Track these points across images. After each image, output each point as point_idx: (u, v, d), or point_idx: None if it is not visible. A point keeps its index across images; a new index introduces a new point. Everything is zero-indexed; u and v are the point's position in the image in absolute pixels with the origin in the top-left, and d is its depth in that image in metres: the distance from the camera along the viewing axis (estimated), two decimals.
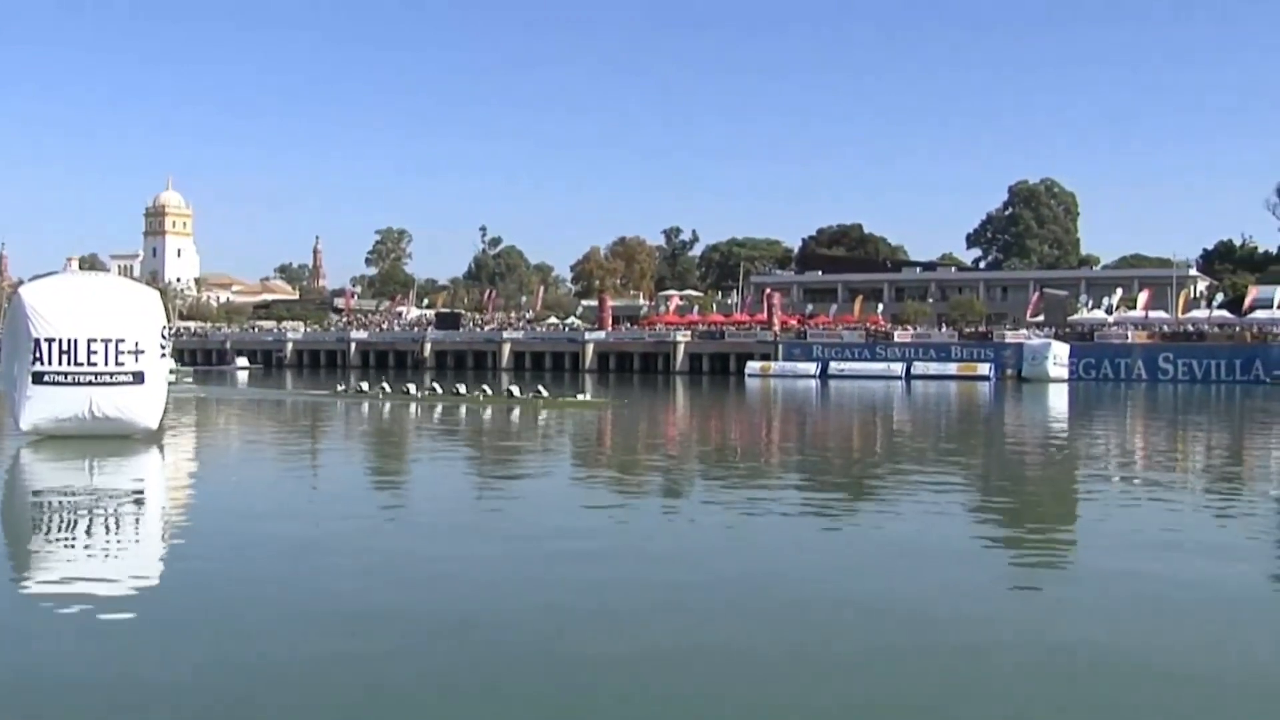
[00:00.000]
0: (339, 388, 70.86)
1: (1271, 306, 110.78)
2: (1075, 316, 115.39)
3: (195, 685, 11.70)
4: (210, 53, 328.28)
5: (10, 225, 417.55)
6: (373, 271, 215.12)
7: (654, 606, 15.17)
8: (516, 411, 55.07)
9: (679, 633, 13.76)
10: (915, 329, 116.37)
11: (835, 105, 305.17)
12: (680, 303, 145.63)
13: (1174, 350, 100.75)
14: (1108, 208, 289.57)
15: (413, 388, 66.06)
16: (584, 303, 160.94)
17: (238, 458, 37.55)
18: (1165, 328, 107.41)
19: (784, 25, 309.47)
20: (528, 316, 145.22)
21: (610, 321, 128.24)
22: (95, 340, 34.88)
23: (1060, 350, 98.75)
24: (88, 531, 21.33)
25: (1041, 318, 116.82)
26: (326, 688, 11.59)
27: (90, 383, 34.81)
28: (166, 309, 42.72)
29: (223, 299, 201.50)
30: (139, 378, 35.56)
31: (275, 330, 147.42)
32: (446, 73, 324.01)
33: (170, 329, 41.92)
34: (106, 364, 35.03)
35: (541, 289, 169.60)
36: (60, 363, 34.56)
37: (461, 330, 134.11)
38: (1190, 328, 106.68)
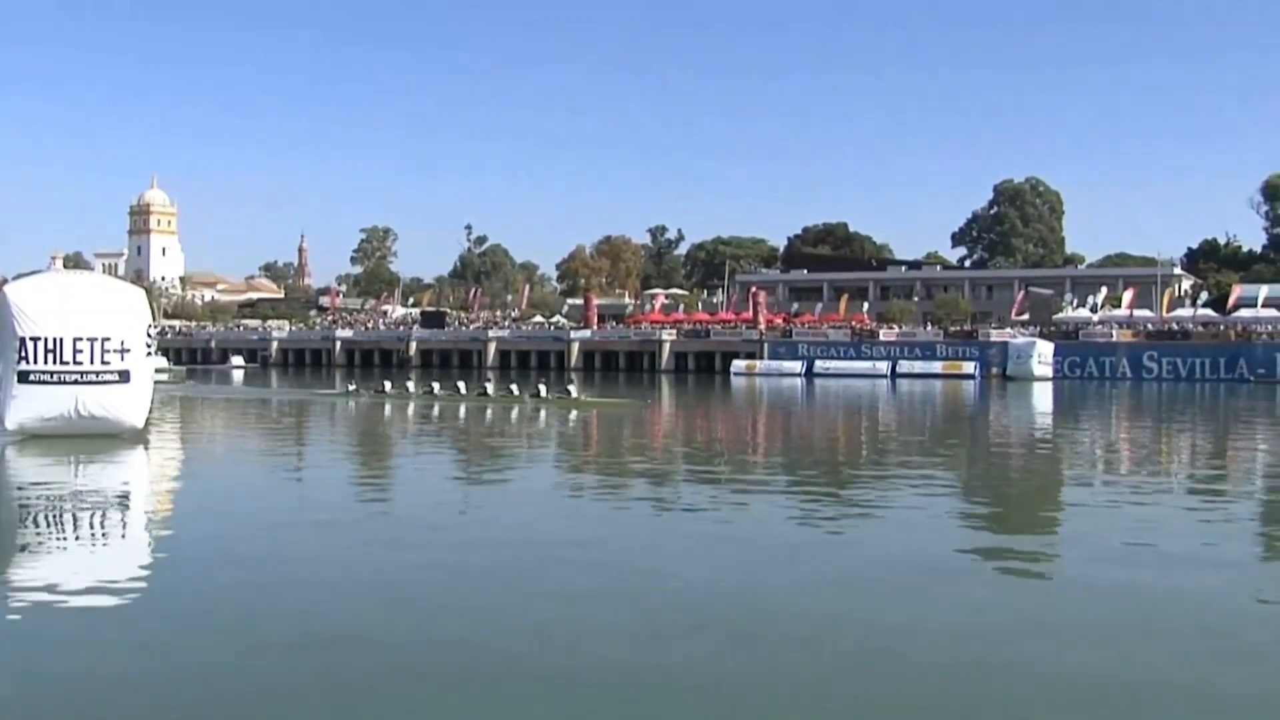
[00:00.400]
0: (350, 387, 69.03)
1: (1255, 305, 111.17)
2: (1060, 315, 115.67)
3: (167, 688, 11.69)
4: (194, 52, 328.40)
5: None
6: (358, 270, 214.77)
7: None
8: (544, 412, 54.10)
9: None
10: (900, 328, 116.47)
11: (821, 105, 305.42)
12: (665, 301, 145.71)
13: (1158, 349, 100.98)
14: (1093, 206, 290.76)
15: (437, 386, 64.72)
16: (569, 301, 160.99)
17: (224, 458, 37.41)
18: (1150, 326, 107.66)
19: (769, 25, 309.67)
20: (513, 315, 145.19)
21: (595, 320, 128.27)
22: (81, 339, 34.82)
23: (1045, 349, 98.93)
24: (71, 531, 21.27)
25: (1026, 316, 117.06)
26: (289, 695, 11.54)
27: (76, 381, 34.75)
28: (152, 308, 42.64)
29: (207, 298, 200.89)
30: (125, 376, 35.50)
31: (260, 329, 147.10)
32: (435, 73, 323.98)
33: (155, 328, 41.74)
34: (92, 363, 34.98)
35: (527, 288, 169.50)
36: (46, 361, 34.50)
37: (447, 329, 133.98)
38: (1175, 326, 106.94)
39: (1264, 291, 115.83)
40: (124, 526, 22.46)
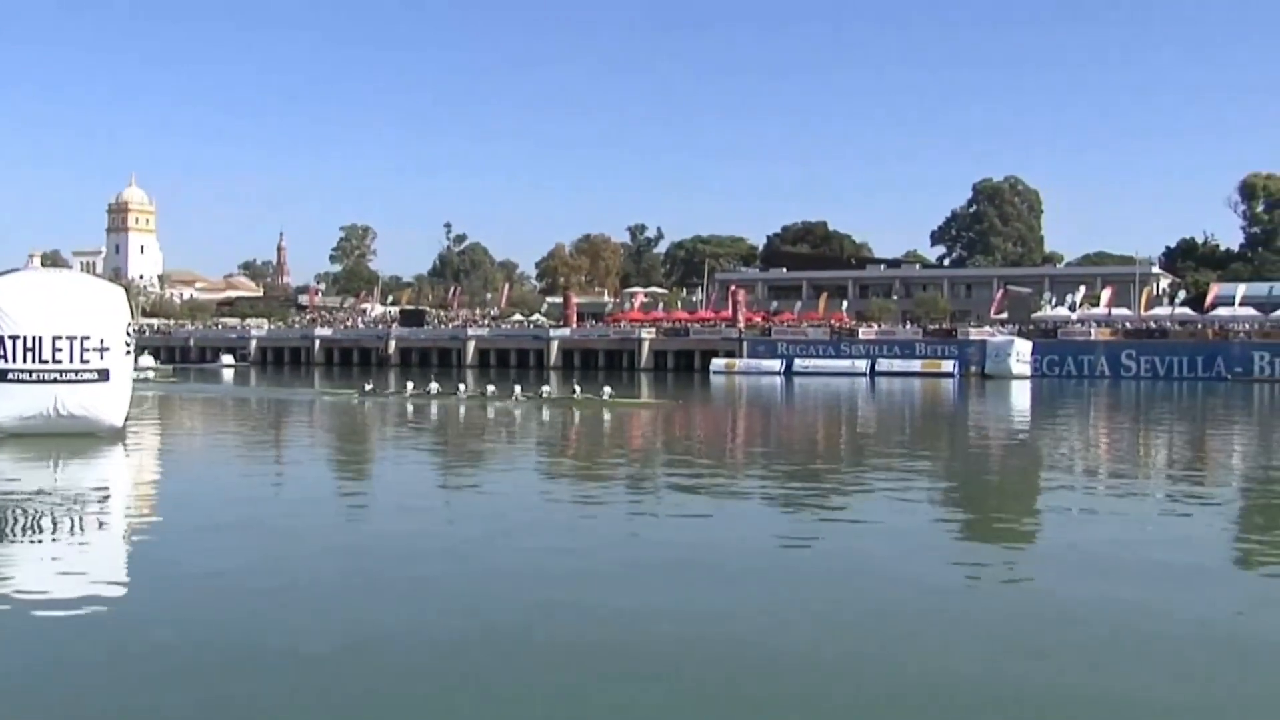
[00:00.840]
0: (366, 386, 66.82)
1: (1233, 304, 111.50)
2: (1039, 314, 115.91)
3: (139, 686, 11.72)
4: (172, 51, 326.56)
5: None
6: (337, 269, 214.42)
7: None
8: (577, 413, 53.36)
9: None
10: (880, 326, 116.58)
11: (800, 104, 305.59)
12: (645, 300, 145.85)
13: (1137, 347, 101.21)
14: (1071, 205, 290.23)
15: (463, 387, 63.03)
16: (549, 300, 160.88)
17: (205, 457, 37.28)
18: (1128, 325, 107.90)
19: (751, 25, 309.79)
20: (492, 314, 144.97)
21: (575, 318, 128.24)
22: (60, 338, 34.75)
23: (1023, 347, 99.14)
24: (50, 531, 21.21)
25: (1005, 315, 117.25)
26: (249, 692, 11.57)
27: (55, 380, 34.69)
28: (130, 306, 42.54)
29: (186, 296, 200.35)
30: (104, 375, 35.46)
31: (239, 327, 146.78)
32: (417, 72, 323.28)
33: (134, 326, 41.62)
34: (71, 361, 34.92)
35: (506, 286, 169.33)
36: (25, 360, 34.42)
37: (426, 327, 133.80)
38: (1153, 325, 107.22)
39: (1241, 290, 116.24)
40: (100, 527, 22.39)
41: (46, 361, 34.61)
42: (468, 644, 13.26)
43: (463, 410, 55.54)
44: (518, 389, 60.78)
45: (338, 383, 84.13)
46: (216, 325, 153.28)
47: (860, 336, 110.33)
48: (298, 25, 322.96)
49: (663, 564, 18.09)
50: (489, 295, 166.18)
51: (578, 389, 59.95)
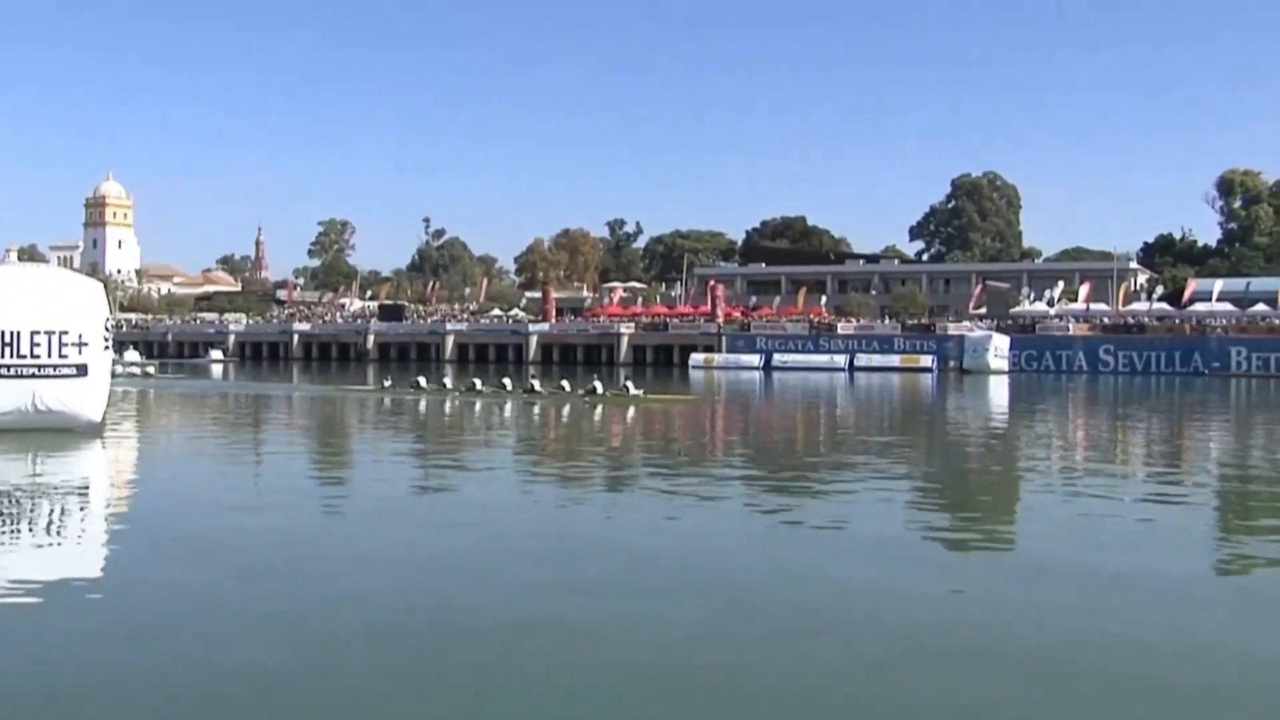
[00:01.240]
0: (385, 382, 65.75)
1: (1210, 299, 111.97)
2: (1017, 309, 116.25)
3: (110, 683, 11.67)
4: (148, 45, 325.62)
5: None
6: (316, 263, 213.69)
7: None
8: (600, 409, 52.23)
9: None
10: (858, 321, 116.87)
11: (779, 98, 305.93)
12: (624, 294, 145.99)
13: (1114, 342, 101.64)
14: (1050, 201, 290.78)
15: (479, 383, 61.20)
16: (528, 294, 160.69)
17: (182, 452, 37.05)
18: (1106, 320, 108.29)
19: (729, 20, 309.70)
20: (471, 308, 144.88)
21: (554, 313, 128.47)
22: (39, 333, 34.51)
23: (1001, 342, 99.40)
24: (27, 527, 21.09)
25: (984, 310, 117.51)
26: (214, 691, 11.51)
27: (33, 375, 34.48)
28: (108, 301, 42.34)
29: (164, 290, 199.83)
30: (82, 370, 35.24)
31: (217, 322, 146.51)
32: (392, 67, 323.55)
33: (112, 321, 41.40)
34: (50, 357, 34.69)
35: (485, 281, 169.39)
36: (3, 355, 34.20)
37: (405, 322, 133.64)
38: (1130, 320, 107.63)
39: (1218, 286, 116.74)
40: (80, 522, 22.25)
41: (25, 357, 34.37)
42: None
43: (509, 406, 53.73)
44: (537, 383, 60.04)
45: (324, 378, 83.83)
46: (194, 320, 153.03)
47: (839, 332, 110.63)
48: (278, 23, 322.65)
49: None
50: (468, 290, 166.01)
51: (598, 385, 58.04)
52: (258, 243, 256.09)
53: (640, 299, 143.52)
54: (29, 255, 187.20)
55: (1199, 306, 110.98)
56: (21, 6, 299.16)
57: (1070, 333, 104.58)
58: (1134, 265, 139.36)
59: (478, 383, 61.28)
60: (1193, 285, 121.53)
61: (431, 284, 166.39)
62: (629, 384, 58.89)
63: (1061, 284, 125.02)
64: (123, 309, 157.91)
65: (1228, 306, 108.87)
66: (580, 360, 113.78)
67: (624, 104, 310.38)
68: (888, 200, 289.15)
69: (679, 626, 13.61)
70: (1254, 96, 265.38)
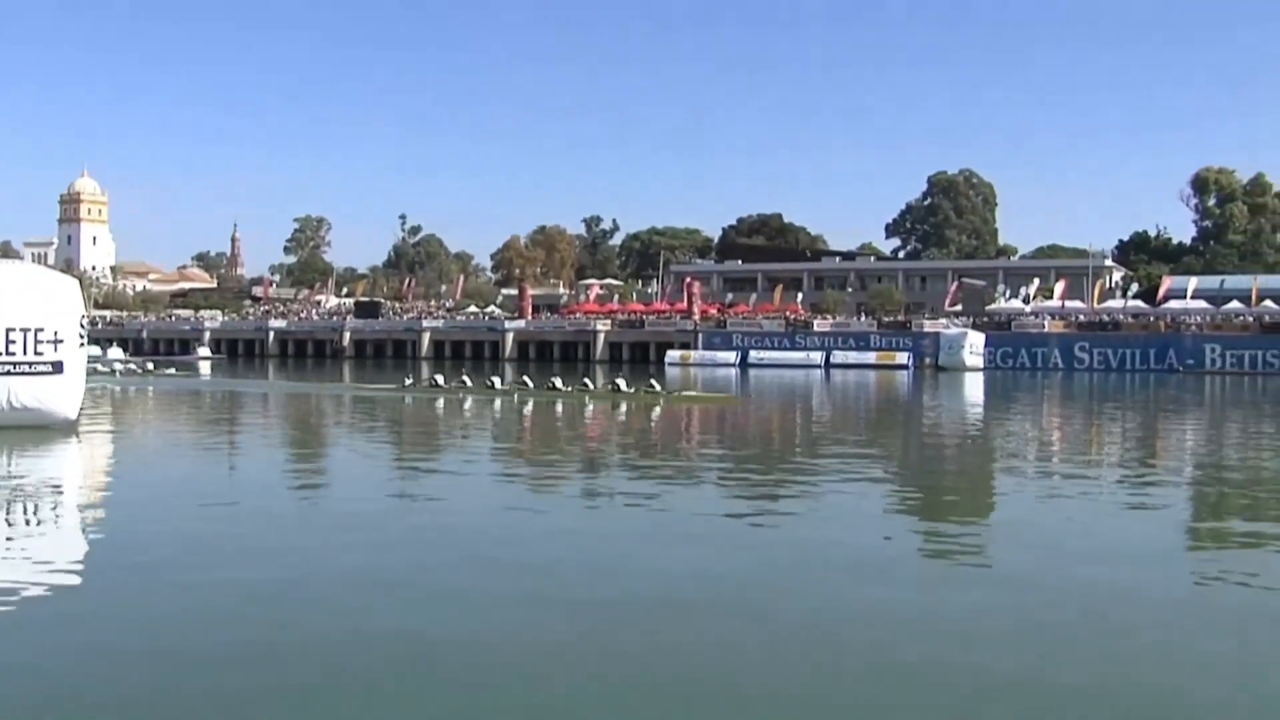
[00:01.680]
0: (406, 381, 64.19)
1: (1185, 297, 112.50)
2: (993, 306, 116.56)
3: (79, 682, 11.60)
4: (123, 41, 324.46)
5: None
6: (291, 260, 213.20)
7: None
8: (624, 407, 51.13)
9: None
10: (834, 318, 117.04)
11: (755, 96, 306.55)
12: (600, 291, 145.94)
13: (1090, 339, 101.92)
14: (1026, 198, 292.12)
15: (497, 381, 59.79)
16: (504, 291, 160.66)
17: (158, 449, 36.84)
18: (1081, 317, 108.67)
19: (705, 17, 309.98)
20: (447, 305, 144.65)
21: (530, 310, 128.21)
22: (14, 330, 34.32)
23: (976, 339, 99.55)
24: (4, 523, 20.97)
25: (960, 307, 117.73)
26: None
27: (9, 373, 34.28)
28: (83, 298, 42.09)
29: (139, 287, 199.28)
30: (58, 368, 35.05)
31: (193, 319, 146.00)
32: (369, 63, 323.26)
33: (88, 318, 41.10)
34: (25, 354, 34.50)
35: (461, 278, 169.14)
36: None
37: (381, 319, 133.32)
38: (1106, 317, 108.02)
39: (1193, 283, 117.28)
40: (55, 520, 22.11)
41: (0, 354, 34.21)
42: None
43: (530, 404, 52.73)
44: (558, 380, 58.42)
45: (301, 375, 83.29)
46: (170, 317, 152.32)
47: (815, 329, 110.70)
48: (256, 21, 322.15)
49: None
50: (444, 287, 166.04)
51: (621, 382, 57.13)
52: (233, 239, 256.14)
53: (616, 296, 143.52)
54: (2, 252, 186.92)
55: (1173, 304, 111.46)
56: None
57: (1045, 330, 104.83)
58: (1109, 263, 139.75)
59: (497, 381, 59.92)
60: (1167, 283, 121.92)
61: (408, 281, 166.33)
62: (655, 382, 57.71)
63: (1037, 281, 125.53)
64: (97, 306, 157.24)
65: (1202, 304, 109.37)
66: (557, 357, 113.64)
67: (601, 102, 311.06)
68: (864, 197, 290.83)
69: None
70: (1229, 95, 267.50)
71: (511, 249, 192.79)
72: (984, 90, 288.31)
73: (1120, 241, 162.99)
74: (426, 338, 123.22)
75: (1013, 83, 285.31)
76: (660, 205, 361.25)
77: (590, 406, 52.04)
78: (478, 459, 33.08)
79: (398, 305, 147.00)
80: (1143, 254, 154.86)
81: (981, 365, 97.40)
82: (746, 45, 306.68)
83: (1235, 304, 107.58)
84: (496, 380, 60.13)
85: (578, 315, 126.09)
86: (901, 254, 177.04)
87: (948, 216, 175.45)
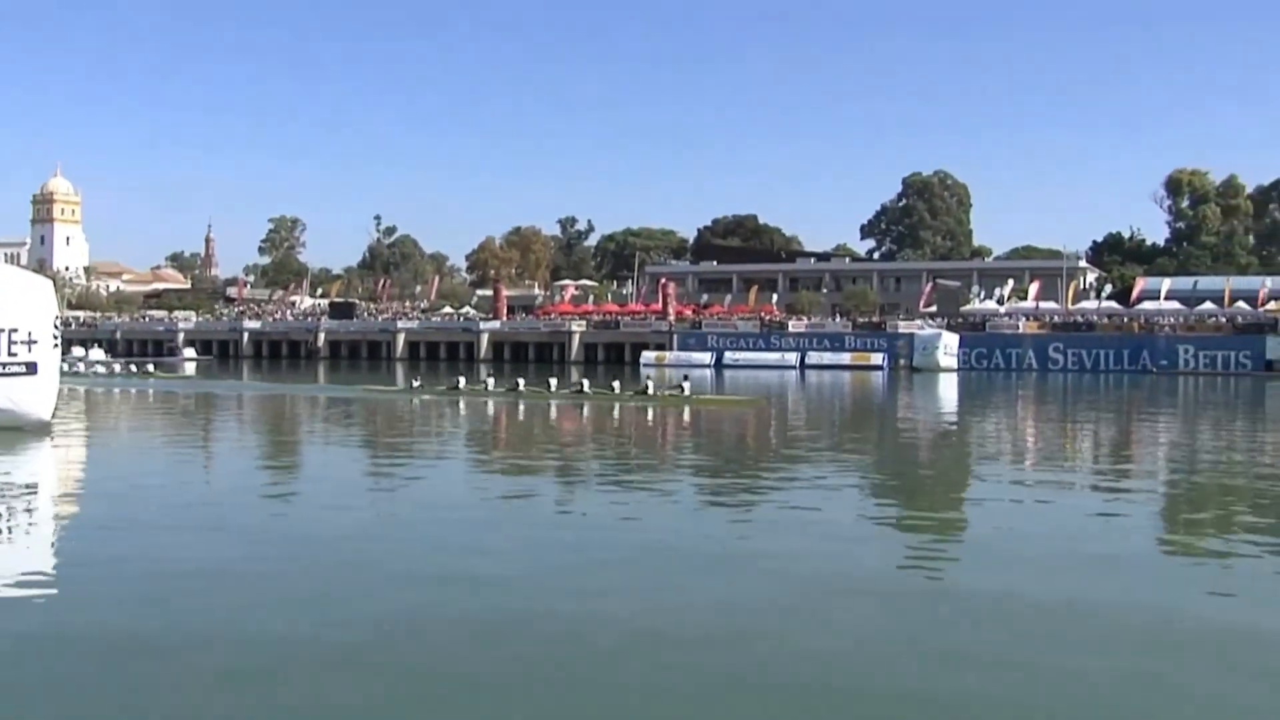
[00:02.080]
0: (414, 383, 62.88)
1: (1158, 298, 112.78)
2: (967, 307, 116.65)
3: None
4: (97, 41, 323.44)
5: None
6: (266, 261, 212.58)
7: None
8: (652, 411, 50.39)
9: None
10: (809, 319, 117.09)
11: (731, 96, 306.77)
12: (575, 292, 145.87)
13: (1064, 340, 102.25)
14: (1000, 200, 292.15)
15: (521, 383, 57.98)
16: (479, 292, 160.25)
17: (129, 450, 36.63)
18: (1055, 318, 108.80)
19: (679, 18, 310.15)
20: (422, 306, 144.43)
21: (505, 311, 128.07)
22: None
23: (950, 340, 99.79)
24: None
25: (934, 308, 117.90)
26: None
27: None
28: (57, 298, 41.90)
29: (112, 288, 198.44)
30: (32, 368, 34.89)
31: (166, 320, 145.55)
32: (343, 63, 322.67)
33: (61, 318, 40.83)
34: None
35: (436, 279, 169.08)
36: None
37: (355, 320, 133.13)
38: (1080, 318, 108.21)
39: (1166, 284, 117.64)
40: (29, 524, 21.95)
41: None
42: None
43: (554, 407, 51.81)
44: (586, 383, 58.00)
45: (276, 376, 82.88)
46: (144, 318, 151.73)
47: (790, 329, 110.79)
48: (227, 20, 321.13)
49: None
50: (419, 288, 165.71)
51: (649, 384, 56.28)
52: (207, 240, 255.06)
53: (592, 297, 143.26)
54: None
55: (1147, 305, 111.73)
56: None
57: (1020, 331, 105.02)
58: (1083, 264, 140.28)
59: (520, 382, 58.68)
60: (1141, 284, 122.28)
61: (382, 282, 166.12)
62: (685, 384, 56.61)
63: (1011, 282, 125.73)
64: (71, 306, 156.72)
65: (1175, 305, 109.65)
66: (532, 358, 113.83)
67: (576, 103, 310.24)
68: (839, 199, 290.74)
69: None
70: (1202, 98, 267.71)
71: (486, 250, 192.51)
72: (959, 91, 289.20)
73: (1094, 243, 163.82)
74: (401, 339, 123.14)
75: (987, 84, 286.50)
76: (635, 206, 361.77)
77: (616, 408, 51.41)
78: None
79: (372, 306, 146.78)
80: (1116, 255, 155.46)
81: (956, 366, 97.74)
82: (721, 46, 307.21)
83: (1208, 305, 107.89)
84: (520, 382, 58.90)
85: (553, 316, 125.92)
86: (876, 255, 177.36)
87: (922, 218, 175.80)
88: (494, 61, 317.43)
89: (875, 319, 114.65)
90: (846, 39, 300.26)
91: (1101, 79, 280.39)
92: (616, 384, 57.25)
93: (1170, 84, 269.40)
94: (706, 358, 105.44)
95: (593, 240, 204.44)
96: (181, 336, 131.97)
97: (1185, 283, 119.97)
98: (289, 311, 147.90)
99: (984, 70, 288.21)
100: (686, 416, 48.73)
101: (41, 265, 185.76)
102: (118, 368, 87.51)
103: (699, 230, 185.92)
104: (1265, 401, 67.35)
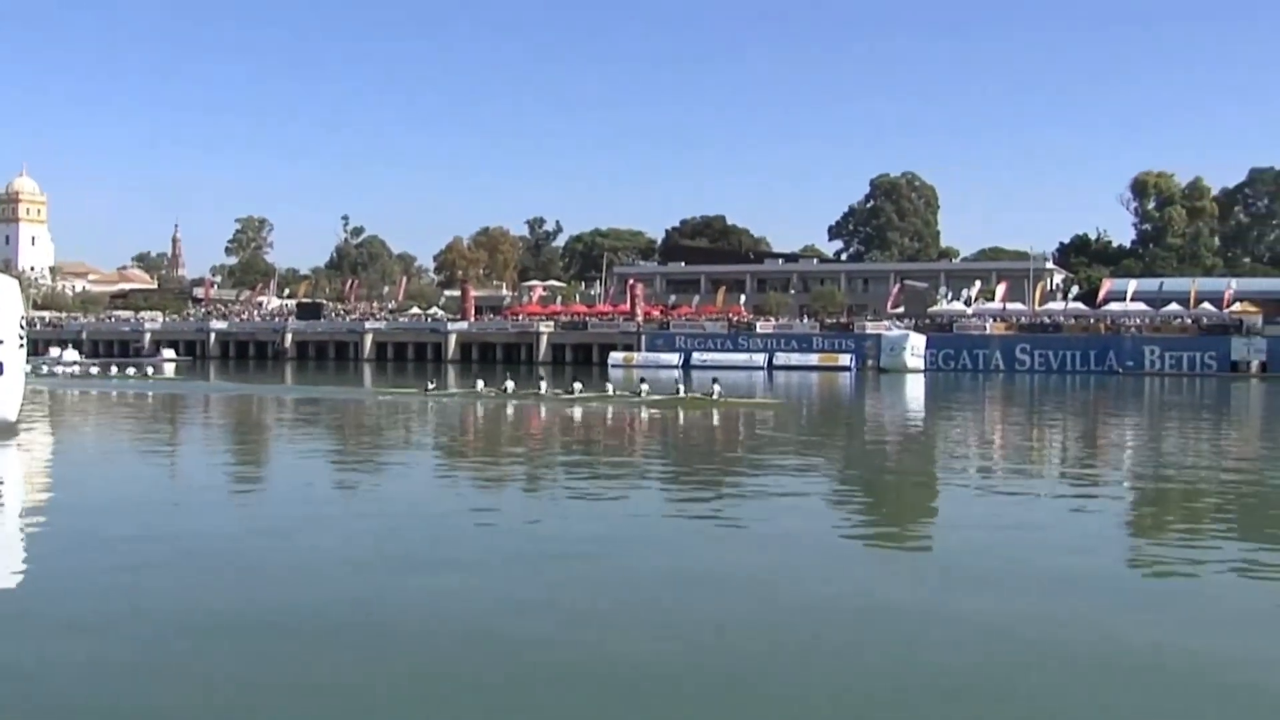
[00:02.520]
0: (429, 385, 61.59)
1: (1124, 299, 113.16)
2: (935, 308, 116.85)
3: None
4: (63, 39, 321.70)
5: None
6: (233, 261, 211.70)
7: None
8: (682, 412, 50.50)
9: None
10: (777, 320, 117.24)
11: (699, 98, 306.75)
12: (543, 293, 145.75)
13: (1030, 341, 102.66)
14: (967, 201, 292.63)
15: (544, 386, 58.02)
16: (447, 293, 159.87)
17: (97, 451, 36.38)
18: (1022, 319, 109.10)
19: (647, 19, 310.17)
20: (390, 307, 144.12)
21: (473, 312, 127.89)
22: None
23: (917, 341, 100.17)
24: None
25: (902, 309, 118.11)
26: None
27: None
28: (22, 298, 41.60)
29: (79, 288, 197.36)
30: None
31: (133, 320, 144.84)
32: (308, 61, 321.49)
33: (26, 319, 40.47)
34: None
35: (404, 279, 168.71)
36: None
37: (323, 320, 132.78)
38: (1046, 319, 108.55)
39: (1133, 285, 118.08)
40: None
41: None
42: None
43: (578, 411, 51.00)
44: (609, 386, 58.07)
45: (243, 376, 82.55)
46: (109, 318, 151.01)
47: (758, 330, 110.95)
48: (190, 16, 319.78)
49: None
50: (386, 288, 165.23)
51: (681, 388, 56.58)
52: (174, 240, 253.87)
53: (559, 298, 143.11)
54: None
55: (1113, 306, 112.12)
56: None
57: (987, 332, 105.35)
58: (1050, 265, 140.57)
59: (543, 385, 58.39)
60: (1107, 285, 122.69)
61: (350, 282, 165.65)
62: (717, 385, 56.34)
63: (978, 283, 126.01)
64: (36, 307, 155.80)
65: (1141, 306, 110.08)
66: (500, 359, 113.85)
67: (544, 103, 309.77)
68: (807, 200, 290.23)
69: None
70: (1168, 100, 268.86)
71: (454, 250, 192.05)
72: (927, 94, 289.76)
73: (1061, 244, 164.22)
74: (369, 339, 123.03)
75: (955, 86, 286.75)
76: (603, 207, 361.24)
77: (642, 412, 51.00)
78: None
79: (340, 307, 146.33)
80: (1083, 256, 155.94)
81: (923, 367, 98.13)
82: (689, 47, 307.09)
83: (1174, 306, 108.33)
84: (543, 384, 58.59)
85: (521, 317, 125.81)
86: (844, 256, 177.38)
87: (890, 219, 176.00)
88: (460, 62, 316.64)
89: (843, 320, 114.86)
90: (814, 41, 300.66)
91: (1069, 81, 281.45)
92: (645, 387, 56.71)
93: (1138, 87, 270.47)
94: (674, 359, 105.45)
95: (561, 241, 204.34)
96: (148, 337, 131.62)
97: (1151, 284, 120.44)
98: (256, 312, 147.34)
99: (952, 73, 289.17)
100: (718, 418, 48.86)
101: (7, 265, 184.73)
102: (94, 369, 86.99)
103: (667, 231, 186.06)
104: (1230, 402, 67.77)
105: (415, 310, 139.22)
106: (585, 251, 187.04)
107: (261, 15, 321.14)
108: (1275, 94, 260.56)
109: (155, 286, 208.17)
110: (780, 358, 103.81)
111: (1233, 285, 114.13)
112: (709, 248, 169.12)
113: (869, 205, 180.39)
